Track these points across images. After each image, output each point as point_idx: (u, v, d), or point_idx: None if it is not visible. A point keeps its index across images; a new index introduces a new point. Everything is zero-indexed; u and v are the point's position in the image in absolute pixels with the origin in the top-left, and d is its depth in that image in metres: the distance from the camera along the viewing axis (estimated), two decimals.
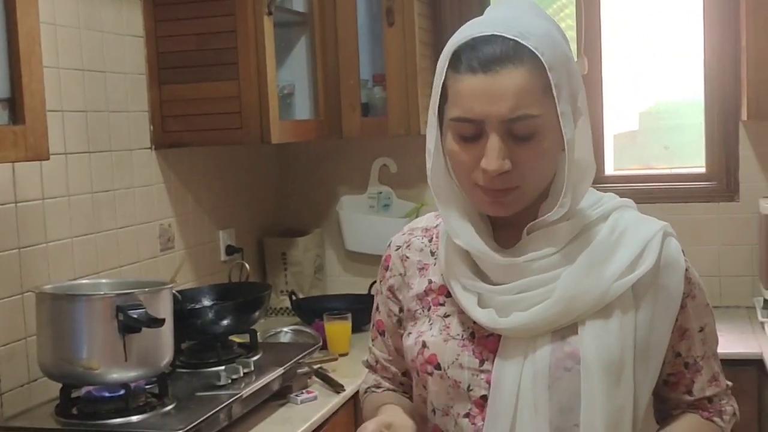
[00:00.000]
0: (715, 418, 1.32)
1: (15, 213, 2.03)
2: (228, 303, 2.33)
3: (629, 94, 3.38)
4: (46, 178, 2.13)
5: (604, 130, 3.29)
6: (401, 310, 1.39)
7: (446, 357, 1.27)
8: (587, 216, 1.26)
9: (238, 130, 2.53)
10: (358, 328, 2.73)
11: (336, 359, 2.55)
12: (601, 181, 3.24)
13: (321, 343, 2.51)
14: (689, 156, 3.30)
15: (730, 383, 1.36)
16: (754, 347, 2.53)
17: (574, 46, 3.29)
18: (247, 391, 2.01)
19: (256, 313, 2.33)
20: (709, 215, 3.11)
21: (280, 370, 2.16)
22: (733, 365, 2.53)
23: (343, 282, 3.38)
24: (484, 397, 1.25)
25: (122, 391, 1.87)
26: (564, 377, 1.21)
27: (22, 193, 2.05)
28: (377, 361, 1.47)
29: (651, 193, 3.17)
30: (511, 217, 1.25)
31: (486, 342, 1.26)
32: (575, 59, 1.21)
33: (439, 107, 1.23)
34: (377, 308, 1.44)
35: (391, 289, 1.40)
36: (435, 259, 1.35)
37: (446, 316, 1.31)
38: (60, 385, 1.92)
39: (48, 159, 1.70)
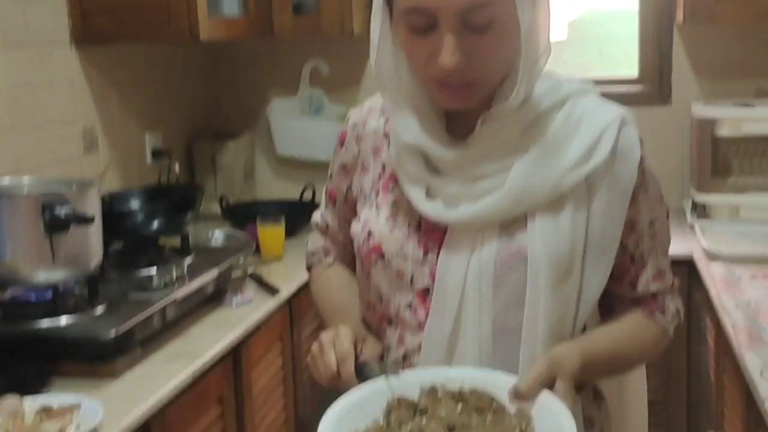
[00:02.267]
0: (657, 313, 1.29)
1: None
2: (158, 204, 2.24)
3: (561, 2, 3.33)
4: None
5: None
6: (349, 188, 1.36)
7: (390, 246, 1.24)
8: (542, 103, 1.20)
9: (165, 26, 2.40)
10: (291, 232, 2.68)
11: (270, 263, 2.51)
12: None
13: (254, 247, 2.45)
14: (623, 64, 3.28)
15: (677, 281, 1.33)
16: (684, 248, 2.57)
17: None
18: (180, 293, 1.95)
19: (188, 215, 2.26)
20: (641, 119, 3.05)
21: (214, 272, 2.11)
22: None
23: (274, 187, 3.30)
24: (427, 290, 1.22)
25: (50, 293, 1.80)
26: (510, 276, 1.18)
27: None
28: (327, 226, 1.44)
29: None
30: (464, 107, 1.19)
31: (432, 232, 1.22)
32: None
33: None
34: (330, 177, 1.41)
35: (343, 166, 1.37)
36: (388, 141, 1.30)
37: (394, 203, 1.27)
38: None
39: None
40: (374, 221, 1.27)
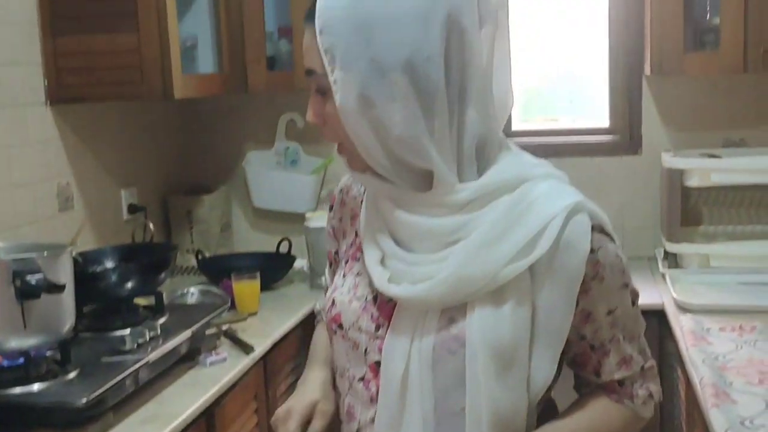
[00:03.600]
0: (625, 400, 1.27)
1: None
2: (132, 264, 2.25)
3: (535, 52, 3.39)
4: None
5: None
6: (337, 252, 1.41)
7: (348, 317, 1.26)
8: (488, 185, 1.16)
9: (139, 84, 2.43)
10: (267, 286, 2.69)
11: (245, 319, 2.51)
12: (507, 135, 3.25)
13: (229, 303, 2.46)
14: (593, 114, 3.34)
15: (647, 364, 1.29)
16: (656, 298, 2.60)
17: None
18: (154, 356, 1.95)
19: (162, 275, 2.26)
20: (612, 168, 3.16)
21: (187, 333, 2.11)
22: None
23: (251, 240, 3.32)
24: (379, 363, 1.23)
25: (21, 360, 1.79)
26: (448, 360, 1.17)
27: None
28: (328, 287, 1.46)
29: (556, 148, 3.20)
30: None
31: (385, 307, 1.23)
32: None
33: None
34: (327, 241, 1.45)
35: (332, 229, 1.42)
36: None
37: (358, 274, 1.29)
38: None
39: None
40: (338, 290, 1.30)
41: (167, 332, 2.07)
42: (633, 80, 3.14)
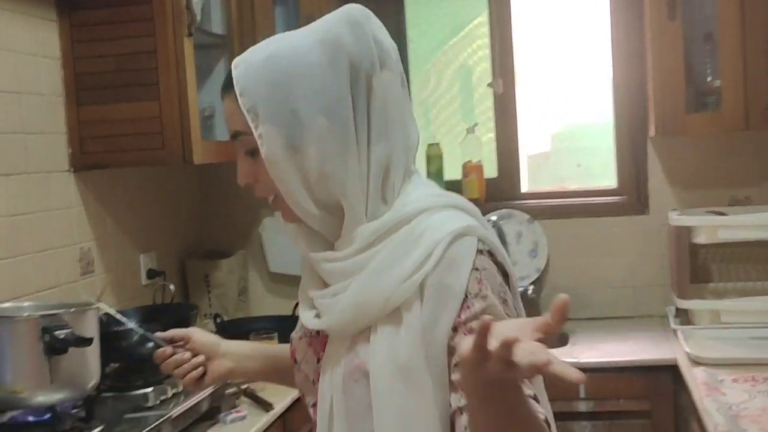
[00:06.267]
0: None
1: None
2: (154, 324, 2.29)
3: (543, 116, 3.49)
4: None
5: (519, 151, 3.38)
6: None
7: (300, 353, 1.37)
8: (390, 218, 1.24)
9: (159, 150, 2.51)
10: None
11: None
12: (517, 197, 3.33)
13: None
14: (601, 175, 3.41)
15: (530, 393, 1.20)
16: (669, 353, 2.63)
17: (488, 67, 3.39)
18: (175, 412, 2.00)
19: None
20: (621, 228, 3.22)
21: (208, 391, 2.14)
22: (649, 371, 2.66)
23: (267, 303, 3.36)
24: None
25: (48, 415, 1.83)
26: (354, 388, 1.23)
27: None
28: None
29: (565, 209, 3.26)
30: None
31: (324, 340, 1.32)
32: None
33: None
34: None
35: None
36: None
37: None
38: None
39: None
40: (295, 329, 1.41)
41: (188, 390, 2.11)
42: (638, 142, 3.22)
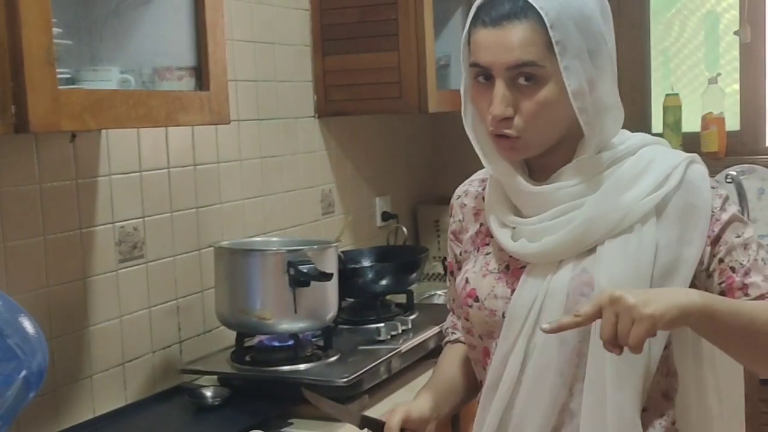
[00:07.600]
0: None
1: (194, 175, 2.20)
2: (387, 264, 2.43)
3: None
4: (221, 144, 2.29)
5: (766, 103, 3.19)
6: (461, 252, 1.51)
7: (483, 290, 1.39)
8: (616, 151, 1.34)
9: (397, 99, 2.62)
10: None
11: None
12: (760, 152, 3.16)
13: None
14: None
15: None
16: None
17: (736, 14, 3.22)
18: (405, 347, 2.11)
19: (414, 275, 2.43)
20: None
21: (435, 329, 2.24)
22: None
23: None
24: None
25: (291, 341, 2.01)
26: (580, 303, 1.26)
27: (200, 156, 2.22)
28: (452, 303, 1.60)
29: None
30: (544, 161, 1.34)
31: (519, 273, 1.35)
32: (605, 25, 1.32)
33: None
34: (448, 251, 1.57)
35: (453, 233, 1.54)
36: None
37: (488, 254, 1.42)
38: (235, 334, 2.08)
39: (228, 123, 1.85)
40: (471, 270, 1.43)
41: (417, 327, 2.24)
42: None
